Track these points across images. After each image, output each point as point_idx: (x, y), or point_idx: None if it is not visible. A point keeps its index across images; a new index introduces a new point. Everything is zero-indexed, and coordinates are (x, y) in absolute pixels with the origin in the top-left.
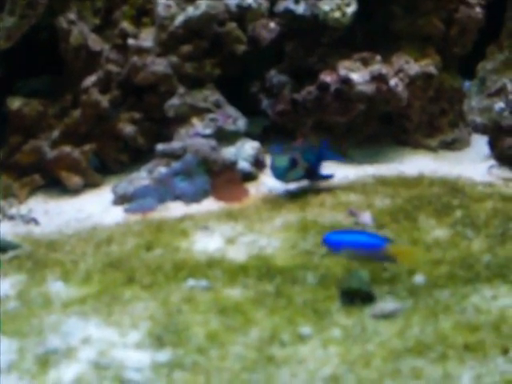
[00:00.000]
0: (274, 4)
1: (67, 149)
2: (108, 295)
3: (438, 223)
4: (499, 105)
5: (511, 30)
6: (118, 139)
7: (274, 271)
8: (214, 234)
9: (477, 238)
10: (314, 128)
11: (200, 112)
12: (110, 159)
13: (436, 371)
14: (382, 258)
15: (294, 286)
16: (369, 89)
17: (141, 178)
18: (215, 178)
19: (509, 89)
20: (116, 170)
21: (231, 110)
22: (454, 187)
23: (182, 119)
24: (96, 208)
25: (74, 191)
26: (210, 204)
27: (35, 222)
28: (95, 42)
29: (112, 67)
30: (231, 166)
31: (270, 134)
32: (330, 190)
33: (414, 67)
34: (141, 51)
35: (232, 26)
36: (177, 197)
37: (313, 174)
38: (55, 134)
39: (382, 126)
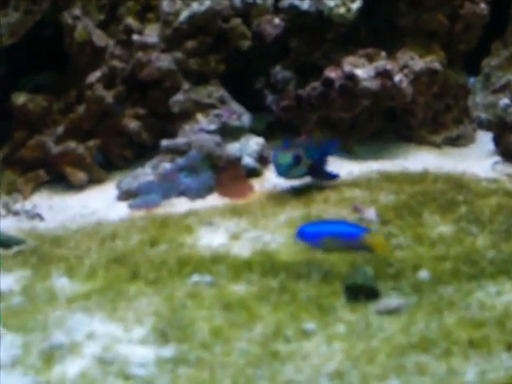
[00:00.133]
0: (278, 0)
1: (72, 144)
2: (112, 291)
3: (443, 219)
4: (504, 101)
5: None
6: (122, 135)
7: (278, 267)
8: (218, 229)
9: (481, 234)
10: (318, 124)
11: (204, 108)
12: (114, 155)
13: (440, 367)
14: (359, 248)
15: (299, 282)
16: (373, 85)
17: (145, 173)
18: (220, 173)
19: None
20: (120, 165)
21: (236, 106)
22: (458, 183)
23: (187, 115)
24: (100, 204)
25: (79, 187)
26: (214, 200)
27: (40, 217)
28: (100, 38)
29: (117, 63)
30: (236, 161)
31: (274, 129)
32: (334, 186)
33: (418, 63)
34: (145, 47)
35: (237, 21)
36: (181, 192)
37: (316, 170)
38: (60, 129)
39: (386, 122)
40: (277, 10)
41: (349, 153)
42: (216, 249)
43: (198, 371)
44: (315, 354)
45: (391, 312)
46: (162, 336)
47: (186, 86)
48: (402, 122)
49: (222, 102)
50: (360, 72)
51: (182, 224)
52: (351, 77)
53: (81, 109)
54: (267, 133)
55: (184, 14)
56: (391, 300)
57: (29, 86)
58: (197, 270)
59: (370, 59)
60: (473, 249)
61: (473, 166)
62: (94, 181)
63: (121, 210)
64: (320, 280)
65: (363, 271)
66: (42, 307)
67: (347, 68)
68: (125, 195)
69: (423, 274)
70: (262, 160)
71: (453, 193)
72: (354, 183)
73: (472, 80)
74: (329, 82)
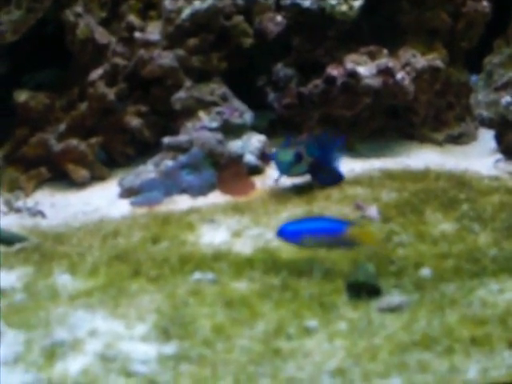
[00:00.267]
0: None
1: (74, 142)
2: (114, 288)
3: (445, 217)
4: (506, 99)
5: None
6: (124, 132)
7: (280, 264)
8: (220, 227)
9: (483, 231)
10: (320, 121)
11: (206, 105)
12: (116, 152)
13: (442, 364)
14: (343, 243)
15: (300, 280)
16: (375, 82)
17: (147, 171)
18: (221, 171)
19: None
20: (122, 163)
21: (238, 104)
22: (460, 181)
23: (189, 112)
24: (103, 201)
25: (81, 184)
26: (216, 197)
27: (42, 214)
28: (102, 35)
29: (119, 60)
30: (237, 159)
31: (276, 127)
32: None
33: (420, 61)
34: (147, 44)
35: (239, 19)
36: (183, 190)
37: (318, 169)
38: (62, 126)
39: (388, 120)
40: (279, 7)
41: (351, 150)
42: (218, 246)
43: (200, 368)
44: (317, 352)
45: (393, 309)
46: (163, 333)
47: (187, 83)
48: (404, 119)
49: (224, 99)
50: (362, 70)
51: (183, 221)
52: (353, 74)
53: (83, 106)
54: (269, 130)
55: (186, 12)
56: (393, 297)
57: (31, 84)
58: (199, 267)
59: (372, 57)
60: (475, 246)
61: (475, 164)
62: (96, 178)
63: (123, 208)
64: (322, 277)
65: (365, 268)
66: (44, 304)
67: (349, 66)
68: (127, 192)
69: (425, 272)
70: (264, 157)
71: (455, 190)
72: (356, 181)
73: (474, 78)
74: (331, 80)
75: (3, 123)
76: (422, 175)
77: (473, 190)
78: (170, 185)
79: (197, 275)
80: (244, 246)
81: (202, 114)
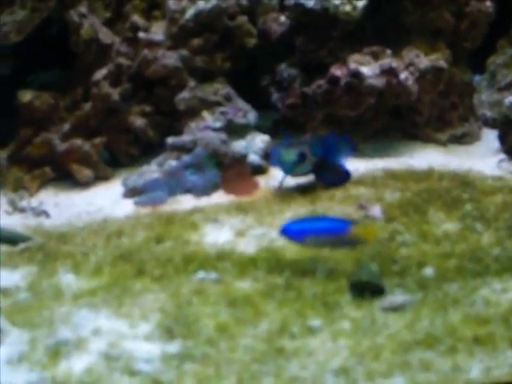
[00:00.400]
0: None
1: (78, 142)
2: (118, 287)
3: (448, 217)
4: (509, 99)
5: None
6: (128, 132)
7: (283, 264)
8: (223, 226)
9: (486, 231)
10: (324, 121)
11: (210, 105)
12: (120, 152)
13: (445, 364)
14: (347, 243)
15: (304, 279)
16: (379, 82)
17: (151, 171)
18: (225, 171)
19: None
20: (126, 163)
21: (241, 104)
22: (463, 181)
23: (193, 112)
24: (106, 201)
25: (85, 184)
26: (220, 197)
27: (46, 214)
28: (106, 36)
29: (123, 60)
30: (241, 159)
31: (280, 127)
32: None
33: (424, 61)
34: (151, 44)
35: (243, 19)
36: (187, 190)
37: (323, 169)
38: (66, 126)
39: (391, 120)
40: (282, 7)
41: (354, 151)
42: (221, 246)
43: (204, 367)
44: (320, 351)
45: (396, 309)
46: (167, 332)
47: (191, 83)
48: (408, 119)
49: (228, 99)
50: (365, 70)
51: (187, 221)
52: (357, 75)
53: (87, 106)
54: (273, 130)
55: (190, 12)
56: (396, 297)
57: (35, 84)
58: (202, 266)
59: (376, 57)
60: (478, 246)
61: (478, 164)
62: (100, 178)
63: (127, 207)
64: (325, 277)
65: (368, 268)
66: (48, 303)
67: (353, 66)
68: (131, 192)
69: (428, 271)
70: (268, 157)
71: (458, 190)
72: (360, 181)
73: (477, 78)
74: (334, 80)
75: (8, 123)
76: (426, 175)
77: (476, 189)
78: (173, 185)
79: (200, 274)
80: (248, 246)
81: (205, 114)
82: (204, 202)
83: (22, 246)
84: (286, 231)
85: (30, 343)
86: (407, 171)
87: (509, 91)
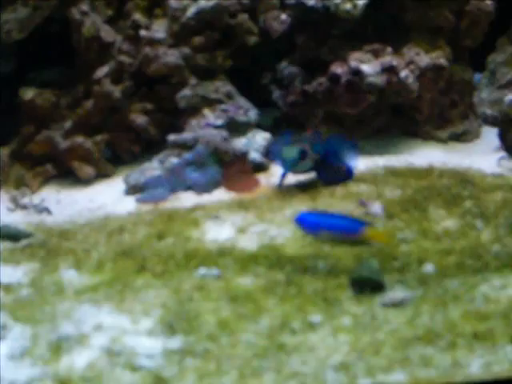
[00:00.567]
0: None
1: (80, 139)
2: (120, 283)
3: (448, 213)
4: (509, 97)
5: None
6: (130, 130)
7: (284, 260)
8: (225, 223)
9: (486, 228)
10: (324, 119)
11: (211, 103)
12: (122, 150)
13: (445, 359)
14: (358, 242)
15: (305, 275)
16: (379, 80)
17: (153, 168)
18: (226, 168)
19: None
20: (128, 160)
21: (242, 101)
22: (463, 178)
23: (194, 110)
24: (108, 198)
25: (87, 181)
26: (221, 194)
27: (48, 211)
28: (108, 33)
29: (124, 58)
30: (242, 156)
31: (281, 125)
32: None
33: (424, 59)
34: (153, 42)
35: (244, 17)
36: (188, 187)
37: (324, 167)
38: (68, 124)
39: (392, 118)
40: (283, 5)
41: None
42: (223, 242)
43: (205, 363)
44: (321, 346)
45: (396, 305)
46: (169, 328)
47: (193, 81)
48: (408, 117)
49: (229, 97)
50: (366, 68)
51: (189, 218)
52: (357, 72)
53: (89, 104)
54: (274, 128)
55: (191, 10)
56: (396, 293)
57: (37, 81)
58: (204, 262)
59: (376, 55)
60: (478, 243)
61: (478, 162)
62: (102, 175)
63: (128, 204)
64: (326, 273)
65: (369, 264)
66: (50, 299)
67: (353, 64)
68: (132, 189)
69: (428, 268)
70: (269, 155)
71: (458, 188)
72: (360, 178)
73: (477, 76)
74: (335, 78)
75: (10, 121)
76: (426, 172)
77: (476, 187)
78: (175, 182)
79: (202, 271)
80: (249, 242)
81: (206, 111)
82: (205, 198)
83: (24, 242)
84: (301, 220)
85: (33, 338)
86: (407, 168)
87: (509, 89)
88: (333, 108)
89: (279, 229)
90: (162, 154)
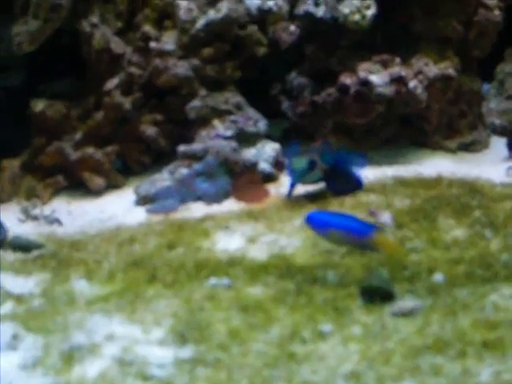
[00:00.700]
0: (294, 7)
1: (90, 150)
2: (131, 293)
3: (457, 223)
4: None
5: None
6: (140, 141)
7: (294, 270)
8: (235, 233)
9: (495, 237)
10: (334, 130)
11: (221, 114)
12: (132, 161)
13: (455, 368)
14: (366, 247)
15: (315, 285)
16: (388, 91)
17: (163, 179)
18: (236, 178)
19: None
20: (138, 171)
21: (252, 112)
22: (472, 188)
23: (204, 121)
24: (118, 209)
25: (97, 192)
26: (231, 204)
27: (59, 222)
28: (118, 45)
29: (134, 70)
30: (252, 167)
31: (290, 135)
32: None
33: (433, 69)
34: (163, 54)
35: (253, 28)
36: (198, 197)
37: (334, 178)
38: (78, 135)
39: (401, 128)
40: (292, 17)
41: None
42: (233, 252)
43: (216, 372)
44: (331, 355)
45: (406, 314)
46: (180, 337)
47: (202, 92)
48: (417, 127)
49: (239, 108)
50: (375, 78)
51: (199, 228)
52: (366, 83)
53: (99, 115)
54: (283, 138)
55: (201, 22)
56: (406, 302)
57: (47, 93)
58: (214, 272)
59: (385, 65)
60: (487, 252)
61: (487, 171)
62: (112, 186)
63: (139, 215)
64: (336, 283)
65: (379, 274)
66: (61, 309)
67: (362, 74)
68: (143, 200)
69: (438, 277)
70: (278, 165)
71: (467, 197)
72: (370, 188)
73: (486, 86)
74: (344, 88)
75: (21, 132)
76: (435, 182)
77: (485, 196)
78: (185, 192)
79: (212, 280)
80: (259, 252)
81: (216, 122)
82: (215, 209)
83: (35, 253)
84: (311, 219)
85: (44, 348)
86: (416, 178)
87: None
88: (342, 118)
89: (289, 239)
90: (172, 165)
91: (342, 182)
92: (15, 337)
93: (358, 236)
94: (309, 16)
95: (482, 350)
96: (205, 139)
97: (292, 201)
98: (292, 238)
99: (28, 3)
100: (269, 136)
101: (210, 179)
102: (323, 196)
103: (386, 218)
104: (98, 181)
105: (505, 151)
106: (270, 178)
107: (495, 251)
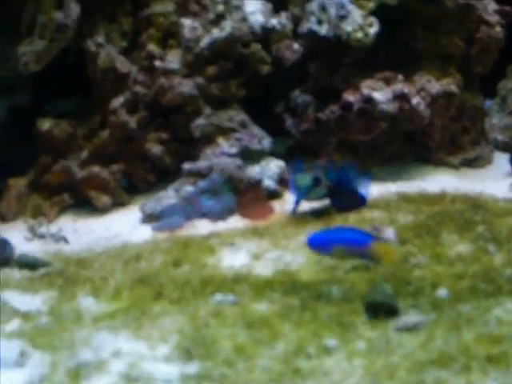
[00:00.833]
0: (297, 25)
1: (96, 169)
2: (137, 310)
3: (461, 238)
4: None
5: None
6: (145, 159)
7: (299, 286)
8: (240, 250)
9: (499, 252)
10: (337, 147)
11: (225, 132)
12: (137, 179)
13: (460, 382)
14: (366, 257)
15: (319, 301)
16: (391, 108)
17: (168, 196)
18: (241, 196)
19: None
20: (144, 189)
21: (256, 130)
22: (476, 203)
23: (208, 139)
24: (124, 226)
25: (103, 210)
26: (235, 221)
27: (65, 240)
28: (123, 64)
29: (139, 88)
30: (256, 184)
31: (294, 153)
32: None
33: (435, 86)
34: (167, 73)
35: (256, 47)
36: (203, 215)
37: (338, 194)
38: (84, 154)
39: (404, 145)
40: (296, 35)
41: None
42: (238, 269)
43: None
44: (336, 370)
45: (410, 329)
46: (186, 353)
47: (207, 110)
48: (420, 144)
49: (243, 125)
50: (378, 95)
51: (204, 245)
52: (369, 100)
53: (105, 134)
54: (287, 156)
55: (205, 41)
56: (410, 317)
57: (53, 112)
58: (219, 289)
59: (388, 82)
60: (490, 267)
61: (490, 187)
62: (118, 204)
63: (144, 233)
64: (340, 298)
65: (383, 289)
66: (68, 326)
67: (365, 91)
68: (148, 218)
69: (442, 292)
70: (283, 182)
71: (470, 213)
72: (373, 204)
73: (488, 102)
74: (347, 106)
75: (27, 151)
76: (438, 198)
77: (488, 212)
78: (190, 210)
79: (218, 297)
80: (264, 269)
81: (221, 140)
82: (220, 226)
83: (42, 271)
84: (312, 243)
85: (52, 365)
86: (420, 194)
87: None
88: (345, 135)
89: (293, 255)
90: (178, 183)
91: (346, 199)
92: (22, 354)
93: (360, 246)
94: (312, 34)
95: (486, 364)
96: (210, 157)
97: (296, 217)
98: (296, 255)
99: (34, 23)
100: (273, 153)
101: (214, 196)
102: (327, 212)
103: (389, 233)
104: (103, 199)
105: (508, 167)
106: (274, 195)
107: (499, 266)
